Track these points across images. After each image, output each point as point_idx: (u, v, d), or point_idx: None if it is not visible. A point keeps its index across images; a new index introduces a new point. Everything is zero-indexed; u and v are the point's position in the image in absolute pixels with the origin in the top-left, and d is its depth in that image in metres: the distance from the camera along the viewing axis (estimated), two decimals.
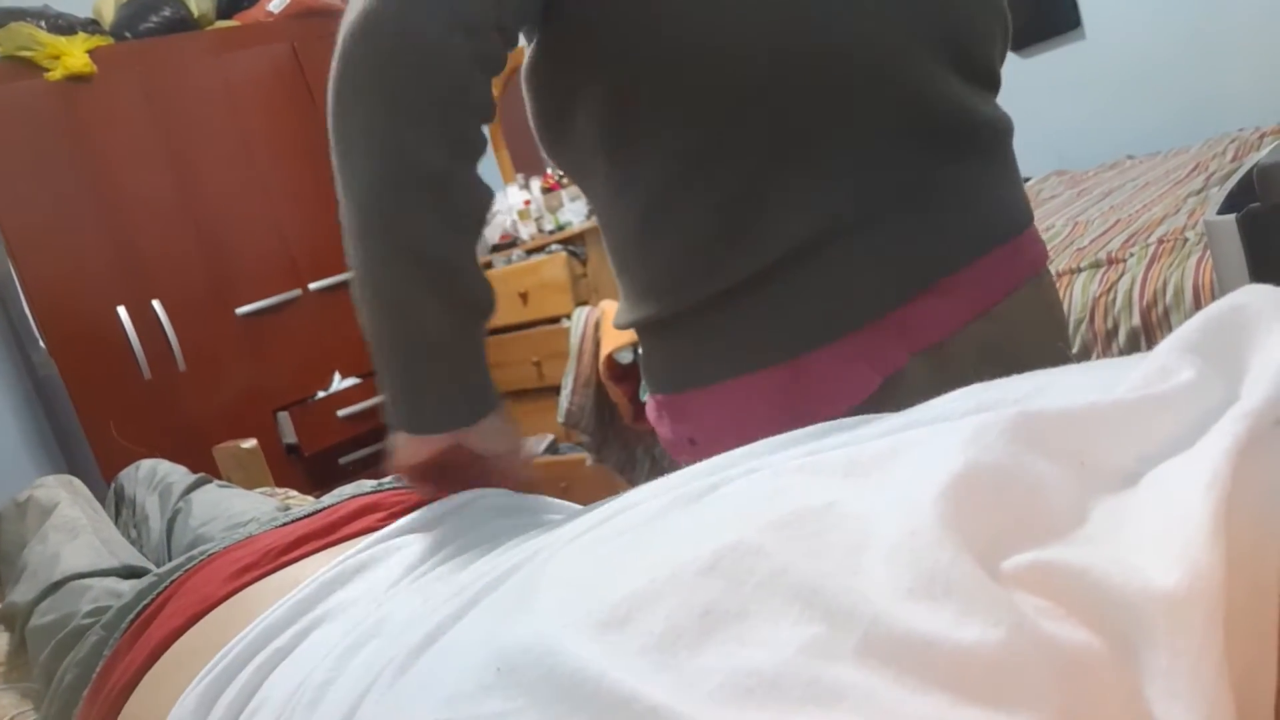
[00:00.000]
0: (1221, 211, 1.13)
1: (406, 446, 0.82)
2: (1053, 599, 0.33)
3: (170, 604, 0.81)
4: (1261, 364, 0.37)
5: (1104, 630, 0.32)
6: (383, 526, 0.81)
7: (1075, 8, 3.11)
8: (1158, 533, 0.32)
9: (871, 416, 0.51)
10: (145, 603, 0.84)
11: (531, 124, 0.90)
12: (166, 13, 3.53)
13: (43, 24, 3.25)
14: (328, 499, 0.99)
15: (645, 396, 0.98)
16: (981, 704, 0.31)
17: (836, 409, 0.77)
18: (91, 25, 3.48)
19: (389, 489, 0.98)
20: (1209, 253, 1.62)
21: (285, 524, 0.94)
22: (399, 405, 0.80)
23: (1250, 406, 0.35)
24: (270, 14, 3.80)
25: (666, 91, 0.78)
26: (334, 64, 0.75)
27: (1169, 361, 0.39)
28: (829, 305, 0.79)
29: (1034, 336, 0.90)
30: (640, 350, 0.96)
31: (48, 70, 3.18)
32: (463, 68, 0.72)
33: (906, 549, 0.34)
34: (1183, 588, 0.30)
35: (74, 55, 3.20)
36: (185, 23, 3.59)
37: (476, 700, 0.38)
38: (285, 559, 0.80)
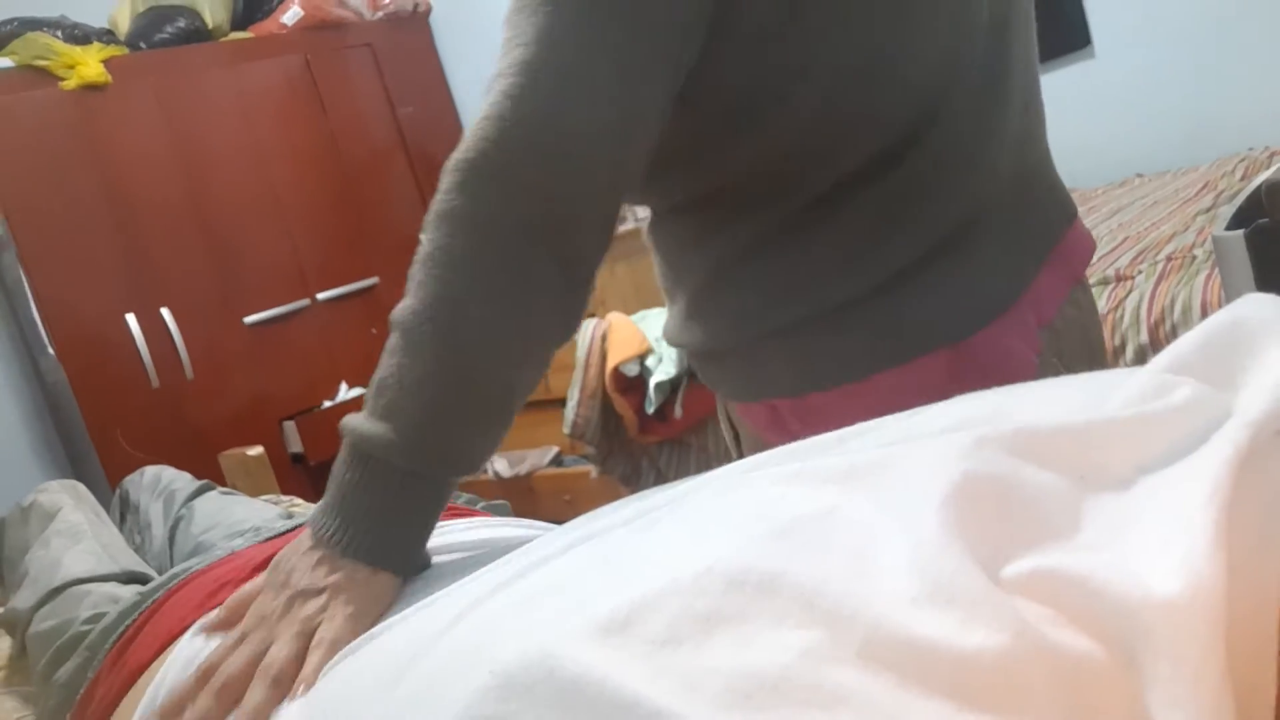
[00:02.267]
0: (1230, 227, 1.13)
1: (319, 565, 0.66)
2: (1054, 606, 0.33)
3: (148, 626, 0.81)
4: (1261, 375, 0.37)
5: (1105, 638, 0.32)
6: None
7: (1084, 26, 3.12)
8: (1159, 541, 0.32)
9: (862, 428, 0.51)
10: (127, 623, 0.84)
11: None
12: (181, 24, 3.56)
13: (59, 33, 3.28)
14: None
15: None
16: (983, 711, 0.30)
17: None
18: (107, 35, 3.51)
19: None
20: (1217, 270, 1.61)
21: (270, 538, 0.95)
22: (378, 513, 0.67)
23: (1251, 417, 0.34)
24: (284, 26, 3.83)
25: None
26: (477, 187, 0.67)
27: (1166, 375, 0.39)
28: (986, 283, 0.80)
29: (1098, 326, 0.93)
30: (719, 366, 0.91)
31: (63, 79, 3.21)
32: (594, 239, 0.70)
33: (909, 555, 0.34)
34: (1184, 596, 0.30)
35: (89, 65, 3.23)
36: (200, 34, 3.63)
37: (474, 705, 0.38)
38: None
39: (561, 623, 0.39)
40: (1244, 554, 0.31)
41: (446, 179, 0.67)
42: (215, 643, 0.68)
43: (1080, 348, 0.87)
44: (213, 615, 0.72)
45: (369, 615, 0.63)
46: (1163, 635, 0.30)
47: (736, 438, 0.99)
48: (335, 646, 0.60)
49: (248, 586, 0.71)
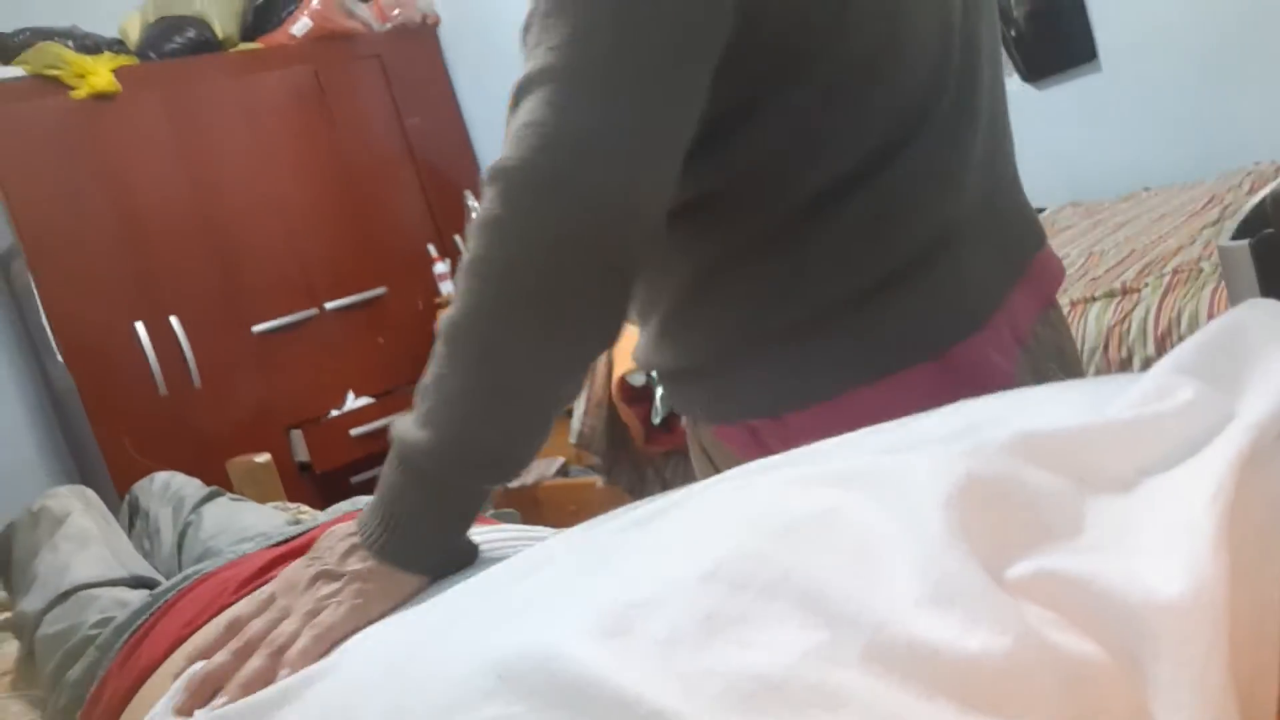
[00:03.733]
0: (1235, 237, 1.14)
1: (351, 552, 0.69)
2: (1057, 609, 0.33)
3: (159, 626, 0.81)
4: (1263, 379, 0.37)
5: (1108, 640, 0.32)
6: None
7: (1090, 40, 3.12)
8: (1161, 543, 0.32)
9: (863, 433, 0.51)
10: (137, 624, 0.85)
11: None
12: (191, 34, 3.58)
13: (70, 43, 3.30)
14: (323, 516, 0.99)
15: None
16: (986, 713, 0.30)
17: None
18: (117, 45, 3.53)
19: None
20: (1224, 283, 1.61)
21: (279, 543, 0.95)
22: (411, 516, 0.68)
23: (1253, 420, 0.35)
24: (293, 37, 3.85)
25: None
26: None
27: (1167, 380, 0.40)
28: (965, 297, 0.80)
29: (1073, 346, 0.93)
30: (697, 385, 0.89)
31: (73, 88, 3.23)
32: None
33: (912, 556, 0.34)
34: (1187, 598, 0.30)
35: (99, 74, 3.25)
36: (209, 44, 3.64)
37: (476, 706, 0.38)
38: (271, 576, 0.80)
39: (565, 623, 0.39)
40: (1246, 556, 0.31)
41: (489, 187, 0.67)
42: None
43: (1056, 367, 0.87)
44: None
45: (375, 609, 0.65)
46: (1165, 638, 0.30)
47: (714, 466, 0.95)
48: (331, 632, 0.62)
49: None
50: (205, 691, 0.65)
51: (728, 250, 0.81)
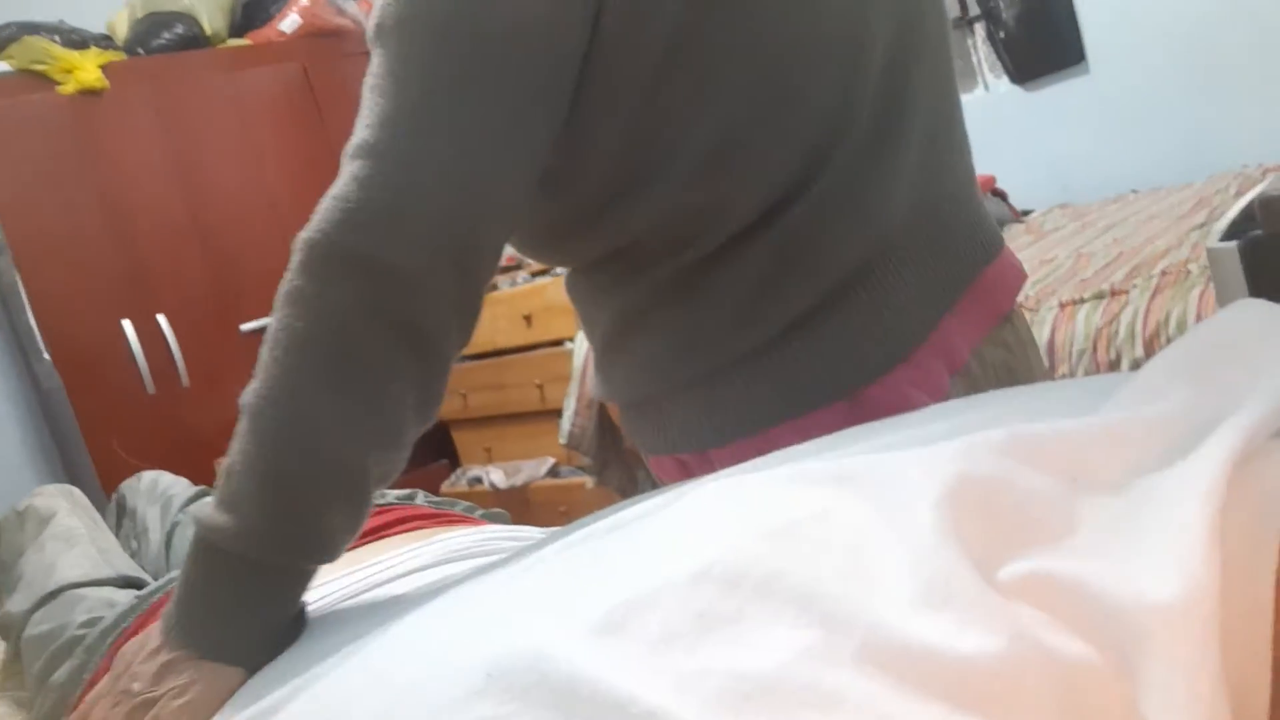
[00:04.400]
0: (1223, 239, 1.14)
1: (163, 670, 0.66)
2: (1049, 610, 0.33)
3: (148, 627, 0.81)
4: (1254, 379, 0.37)
5: (1101, 642, 0.32)
6: (369, 543, 0.81)
7: (1079, 43, 3.13)
8: (1153, 544, 0.32)
9: (855, 433, 0.51)
10: (124, 626, 0.84)
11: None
12: (179, 30, 3.56)
13: (56, 38, 3.28)
14: None
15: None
16: (979, 714, 0.30)
17: None
18: (105, 40, 3.51)
19: (380, 506, 0.98)
20: (1212, 285, 1.62)
21: None
22: (222, 606, 0.66)
23: (1245, 420, 0.35)
24: (282, 34, 3.83)
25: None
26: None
27: (1159, 380, 0.40)
28: (883, 331, 0.78)
29: (1036, 359, 0.91)
30: (638, 417, 0.90)
31: (60, 84, 3.20)
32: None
33: (905, 556, 0.34)
34: (1179, 599, 0.30)
35: (86, 69, 3.23)
36: (198, 40, 3.63)
37: (467, 705, 0.38)
38: None
39: (556, 622, 0.39)
40: (1238, 557, 0.31)
41: (293, 257, 0.66)
42: None
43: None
44: None
45: (205, 713, 0.63)
46: (1157, 639, 0.30)
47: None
48: None
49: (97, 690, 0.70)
50: None
51: (644, 296, 0.82)
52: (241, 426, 0.66)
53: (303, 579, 0.68)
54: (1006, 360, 0.86)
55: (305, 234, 0.66)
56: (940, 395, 0.79)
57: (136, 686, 0.65)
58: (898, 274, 0.79)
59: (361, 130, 0.68)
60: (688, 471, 0.86)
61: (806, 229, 0.77)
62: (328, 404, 0.64)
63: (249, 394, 0.65)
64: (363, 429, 0.66)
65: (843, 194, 0.77)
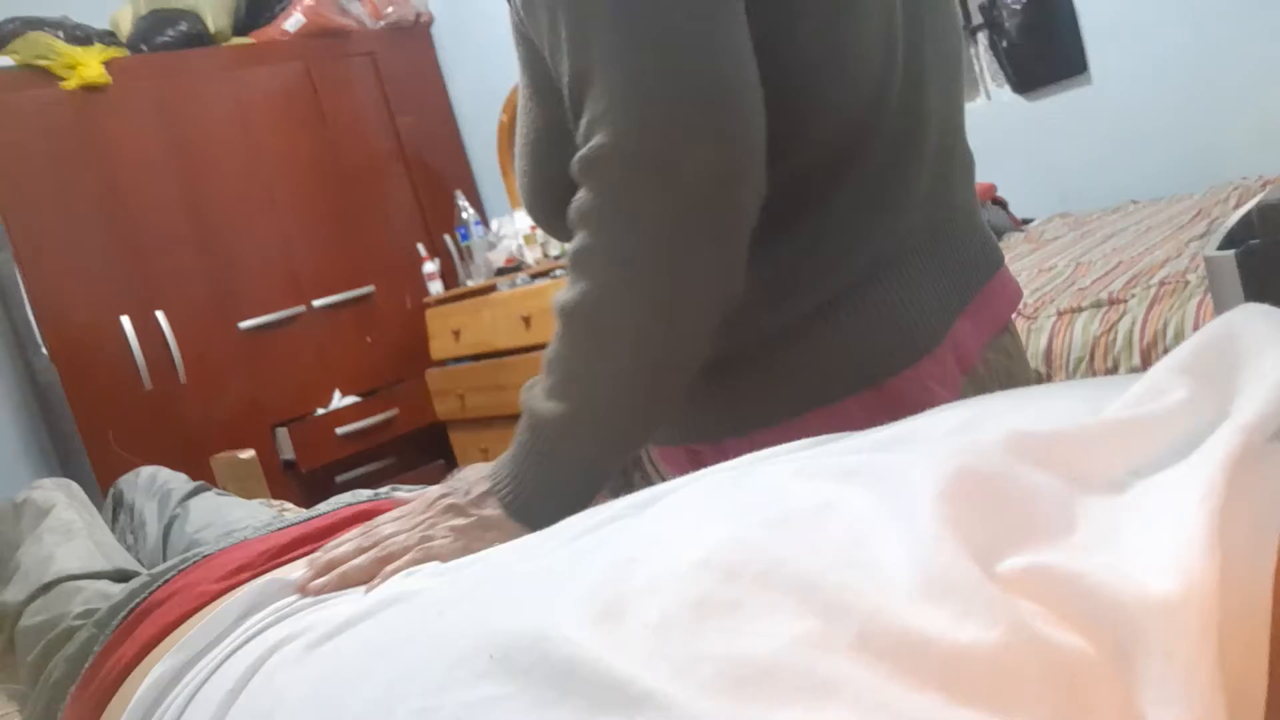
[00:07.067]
0: (1221, 248, 1.15)
1: (483, 497, 0.74)
2: (1047, 604, 0.33)
3: (164, 603, 0.81)
4: (1255, 380, 0.37)
5: (1098, 636, 0.32)
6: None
7: (1082, 53, 3.14)
8: (1153, 541, 0.33)
9: (857, 432, 0.52)
10: (137, 601, 0.84)
11: (529, 186, 0.85)
12: (183, 27, 3.57)
13: (60, 34, 3.29)
14: (324, 506, 0.99)
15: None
16: (975, 705, 0.31)
17: None
18: (108, 37, 3.52)
19: (384, 499, 0.98)
20: (1210, 295, 1.63)
21: (280, 529, 0.94)
22: (544, 480, 0.72)
23: (1245, 421, 0.35)
24: (286, 33, 3.84)
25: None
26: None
27: (1162, 381, 0.40)
28: (908, 325, 0.79)
29: (1030, 371, 0.93)
30: None
31: (63, 79, 3.21)
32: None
33: (905, 548, 0.34)
34: (1177, 595, 0.31)
35: (89, 65, 3.23)
36: (201, 38, 3.64)
37: (468, 686, 0.38)
38: (279, 561, 0.80)
39: (558, 606, 0.39)
40: (1236, 555, 0.31)
41: (595, 172, 0.66)
42: None
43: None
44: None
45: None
46: (1156, 634, 0.31)
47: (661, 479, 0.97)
48: (426, 559, 0.68)
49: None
50: (322, 569, 0.70)
51: None
52: (559, 328, 0.71)
53: (611, 469, 0.74)
54: (1008, 366, 0.88)
55: (597, 149, 0.65)
56: (956, 393, 0.80)
57: (460, 494, 0.74)
58: (916, 274, 0.80)
59: (587, 44, 0.66)
60: (700, 463, 0.84)
61: (832, 220, 0.78)
62: (639, 314, 0.69)
63: (562, 301, 0.70)
64: (680, 327, 0.70)
65: (873, 186, 0.78)
